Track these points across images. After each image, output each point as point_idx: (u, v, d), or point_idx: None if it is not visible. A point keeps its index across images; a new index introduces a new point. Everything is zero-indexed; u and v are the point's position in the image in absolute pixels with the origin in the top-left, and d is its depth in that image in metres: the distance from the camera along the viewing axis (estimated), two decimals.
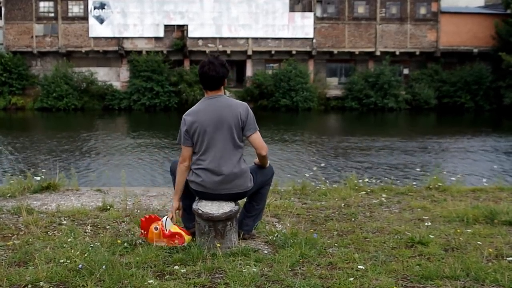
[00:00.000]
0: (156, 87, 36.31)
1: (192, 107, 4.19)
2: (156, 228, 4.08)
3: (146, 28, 38.55)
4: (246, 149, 4.18)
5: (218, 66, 4.04)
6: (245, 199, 4.39)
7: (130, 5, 38.44)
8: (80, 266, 3.45)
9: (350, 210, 5.36)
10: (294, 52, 38.98)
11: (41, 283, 3.28)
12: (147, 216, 4.20)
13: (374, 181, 7.24)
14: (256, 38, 39.02)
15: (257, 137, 4.10)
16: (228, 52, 37.68)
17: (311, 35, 39.16)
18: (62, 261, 3.62)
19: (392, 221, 4.96)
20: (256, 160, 4.30)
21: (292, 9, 39.12)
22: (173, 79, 36.79)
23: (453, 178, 7.09)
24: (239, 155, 4.08)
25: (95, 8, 38.34)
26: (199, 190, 4.08)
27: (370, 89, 37.61)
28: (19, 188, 6.17)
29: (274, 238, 4.22)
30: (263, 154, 4.17)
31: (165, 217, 4.18)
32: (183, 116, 4.13)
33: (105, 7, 38.36)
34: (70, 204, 5.62)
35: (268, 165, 4.32)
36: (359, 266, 3.59)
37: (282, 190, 6.39)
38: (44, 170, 6.88)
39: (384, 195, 6.15)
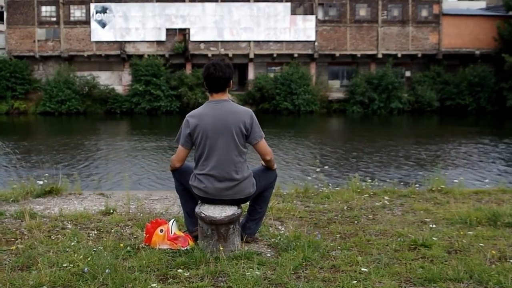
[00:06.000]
0: (157, 91, 36.34)
1: (196, 109, 4.16)
2: (161, 231, 4.09)
3: (148, 32, 38.62)
4: (249, 152, 4.17)
5: (224, 67, 4.01)
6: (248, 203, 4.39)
7: (132, 9, 38.52)
8: (85, 269, 3.45)
9: (353, 213, 5.35)
10: (296, 55, 39.00)
11: (44, 287, 3.28)
12: (153, 221, 4.21)
13: (376, 183, 7.23)
14: (258, 41, 39.07)
15: (262, 145, 4.11)
16: (230, 55, 37.69)
17: (313, 38, 39.19)
18: (65, 265, 3.62)
19: (395, 223, 4.95)
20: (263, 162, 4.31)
21: (293, 12, 39.16)
22: (173, 82, 36.82)
23: (456, 180, 7.07)
24: (242, 162, 4.06)
25: (97, 12, 38.42)
26: (201, 195, 4.07)
27: (372, 92, 37.58)
28: (21, 193, 6.17)
29: (277, 241, 4.21)
30: (267, 159, 4.20)
31: (172, 220, 4.21)
32: (186, 117, 4.10)
33: (107, 11, 38.45)
34: (73, 208, 5.63)
35: (275, 166, 4.33)
36: (362, 269, 3.59)
37: (284, 193, 6.38)
38: (46, 174, 6.88)
39: (386, 198, 6.14)
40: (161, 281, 3.42)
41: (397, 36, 39.86)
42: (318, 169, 11.64)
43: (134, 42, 38.76)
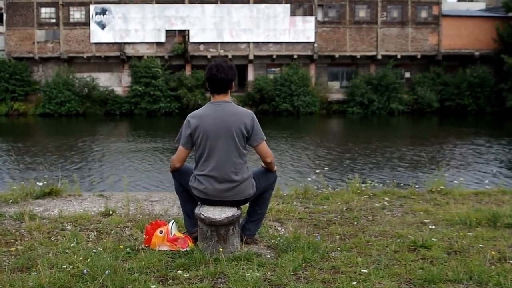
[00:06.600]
0: (156, 92, 36.32)
1: (197, 110, 4.16)
2: (161, 232, 4.10)
3: (147, 33, 38.60)
4: (249, 154, 4.17)
5: (226, 68, 4.01)
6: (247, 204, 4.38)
7: (132, 10, 38.51)
8: (84, 271, 3.45)
9: (353, 214, 5.35)
10: (295, 56, 38.99)
11: None
12: (153, 222, 4.21)
13: (376, 184, 7.22)
14: (258, 43, 39.06)
15: (263, 147, 4.10)
16: (230, 56, 37.64)
17: (312, 39, 39.19)
18: (65, 266, 3.62)
19: (394, 224, 4.95)
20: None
21: (293, 13, 39.14)
22: (173, 84, 36.81)
23: (456, 181, 7.08)
24: (242, 163, 4.06)
25: (96, 13, 38.40)
26: (201, 196, 4.07)
27: (372, 93, 37.59)
28: (21, 194, 6.17)
29: (277, 243, 4.21)
30: (268, 161, 4.19)
31: (172, 221, 4.21)
32: (188, 118, 4.09)
33: (107, 12, 38.43)
34: (72, 209, 5.62)
35: (275, 168, 4.33)
36: (362, 270, 3.59)
37: (284, 194, 6.38)
38: (46, 176, 6.88)
39: (386, 199, 6.14)
40: (160, 283, 3.41)
41: (397, 37, 39.87)
42: (317, 170, 11.64)
43: (133, 43, 38.73)
